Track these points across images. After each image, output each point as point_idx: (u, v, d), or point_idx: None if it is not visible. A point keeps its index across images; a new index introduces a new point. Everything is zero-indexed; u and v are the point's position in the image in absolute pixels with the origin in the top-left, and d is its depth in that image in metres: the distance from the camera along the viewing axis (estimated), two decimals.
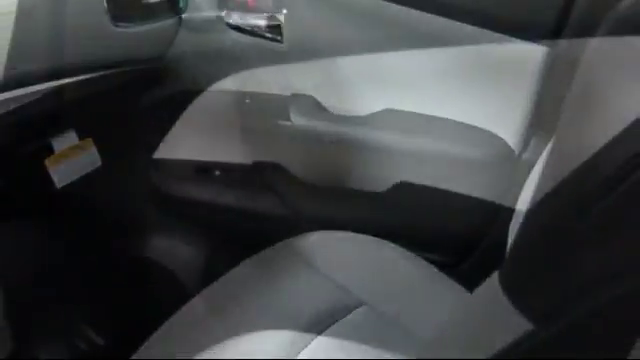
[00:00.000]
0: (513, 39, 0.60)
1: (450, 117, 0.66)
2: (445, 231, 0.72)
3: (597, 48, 0.36)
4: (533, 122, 0.64)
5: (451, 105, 0.66)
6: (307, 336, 0.52)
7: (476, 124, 0.66)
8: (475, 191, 0.68)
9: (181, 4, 0.64)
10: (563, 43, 0.59)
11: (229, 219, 0.73)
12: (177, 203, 0.73)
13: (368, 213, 0.71)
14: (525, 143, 0.66)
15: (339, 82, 0.67)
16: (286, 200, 0.70)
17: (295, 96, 0.67)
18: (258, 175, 0.72)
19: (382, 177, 0.69)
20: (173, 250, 0.77)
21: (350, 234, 0.63)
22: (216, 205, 0.72)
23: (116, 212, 0.76)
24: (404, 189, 0.71)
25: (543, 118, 0.65)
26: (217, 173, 0.73)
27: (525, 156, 0.66)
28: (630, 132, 0.29)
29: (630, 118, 0.30)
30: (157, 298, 0.80)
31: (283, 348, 0.51)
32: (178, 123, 0.72)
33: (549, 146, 0.45)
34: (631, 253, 0.30)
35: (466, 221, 0.71)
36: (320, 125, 0.67)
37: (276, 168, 0.73)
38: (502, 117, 0.66)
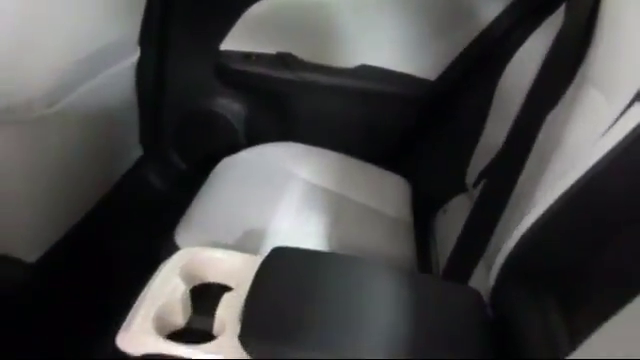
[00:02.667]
0: None
1: None
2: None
3: None
4: None
5: None
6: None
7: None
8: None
9: None
10: None
11: (263, 84, 1.27)
12: (232, 74, 1.27)
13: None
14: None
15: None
16: (294, 71, 1.23)
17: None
18: (280, 59, 1.25)
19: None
20: (229, 105, 1.32)
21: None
22: (255, 75, 1.25)
23: (193, 80, 1.30)
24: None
25: None
26: (254, 58, 1.26)
27: None
28: None
29: None
30: (219, 135, 1.36)
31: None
32: (232, 29, 1.25)
33: None
34: None
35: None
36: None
37: (289, 56, 1.26)
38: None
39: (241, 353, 0.64)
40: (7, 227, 0.88)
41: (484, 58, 1.17)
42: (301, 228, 0.99)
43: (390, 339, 0.65)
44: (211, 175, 1.09)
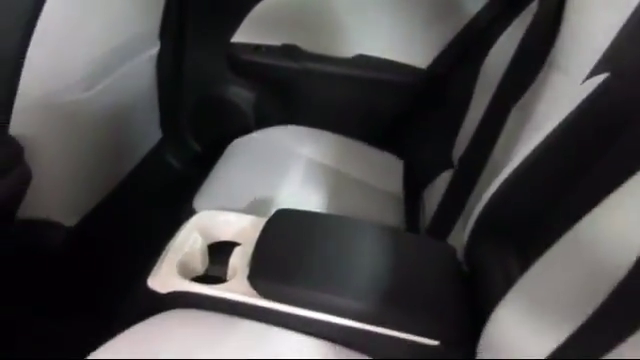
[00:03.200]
0: None
1: None
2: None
3: None
4: None
5: None
6: None
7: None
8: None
9: None
10: None
11: (270, 73, 1.40)
12: (242, 64, 1.41)
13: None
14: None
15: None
16: (298, 61, 1.36)
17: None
18: (286, 50, 1.38)
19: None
20: (239, 92, 1.46)
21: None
22: (263, 65, 1.39)
23: (207, 70, 1.44)
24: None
25: None
26: (263, 49, 1.40)
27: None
28: None
29: None
30: (231, 120, 1.50)
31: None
32: (242, 25, 1.39)
33: None
34: None
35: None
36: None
37: (294, 48, 1.39)
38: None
39: (250, 291, 0.77)
40: (50, 195, 1.02)
41: (469, 48, 1.30)
42: (303, 199, 1.13)
43: (374, 284, 0.78)
44: (225, 153, 1.23)
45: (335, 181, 1.20)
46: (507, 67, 1.05)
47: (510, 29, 1.16)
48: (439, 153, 1.30)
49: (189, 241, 0.87)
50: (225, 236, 0.93)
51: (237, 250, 0.86)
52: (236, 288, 0.79)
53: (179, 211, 1.06)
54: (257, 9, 1.35)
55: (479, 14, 1.28)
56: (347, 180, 1.23)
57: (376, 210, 1.17)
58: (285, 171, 1.19)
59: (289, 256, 0.81)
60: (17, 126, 0.92)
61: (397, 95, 1.39)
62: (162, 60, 1.33)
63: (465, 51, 1.31)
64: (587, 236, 0.62)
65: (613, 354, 0.52)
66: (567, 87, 0.90)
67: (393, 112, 1.41)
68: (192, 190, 1.11)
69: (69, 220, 1.08)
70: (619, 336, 0.53)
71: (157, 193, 1.38)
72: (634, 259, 0.55)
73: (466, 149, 1.07)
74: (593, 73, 0.81)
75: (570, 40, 0.95)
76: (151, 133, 1.43)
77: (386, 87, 1.38)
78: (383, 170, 1.31)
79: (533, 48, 1.03)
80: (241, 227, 0.93)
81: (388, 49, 1.36)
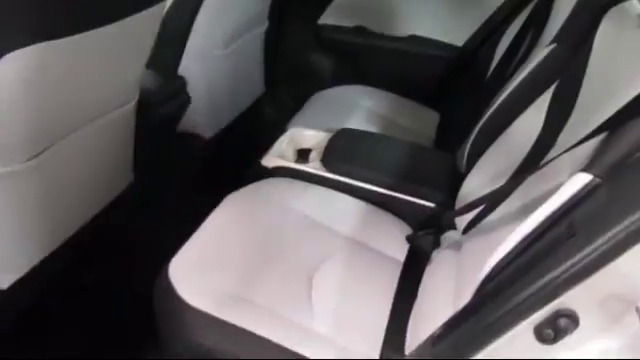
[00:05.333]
0: None
1: None
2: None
3: None
4: None
5: None
6: None
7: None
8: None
9: None
10: None
11: (345, 47, 1.92)
12: (325, 40, 1.93)
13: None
14: None
15: None
16: (366, 39, 1.87)
17: None
18: (357, 30, 1.89)
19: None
20: (322, 60, 1.98)
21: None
22: (341, 41, 1.90)
23: (299, 44, 1.98)
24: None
25: None
26: (340, 29, 1.91)
27: None
28: None
29: None
30: (315, 81, 2.02)
31: None
32: (327, 10, 1.91)
33: None
34: None
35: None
36: None
37: (363, 28, 1.89)
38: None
39: (322, 169, 1.29)
40: (198, 115, 1.58)
41: (492, 31, 1.74)
42: None
43: (398, 167, 1.28)
44: (308, 101, 1.76)
45: (384, 125, 1.69)
46: (509, 45, 1.50)
47: (519, 17, 1.59)
48: (466, 109, 1.76)
49: (284, 143, 1.40)
50: (307, 145, 1.46)
51: (314, 151, 1.39)
52: (314, 166, 1.31)
53: (276, 136, 1.59)
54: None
55: (501, 6, 1.73)
56: (393, 124, 1.71)
57: None
58: (349, 115, 1.69)
59: (348, 149, 1.33)
60: (183, 68, 1.49)
61: (439, 65, 1.85)
62: (268, 35, 1.88)
63: (489, 33, 1.75)
64: (513, 130, 1.08)
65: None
66: None
67: (435, 77, 1.87)
68: (284, 125, 1.64)
69: (208, 134, 1.66)
70: (520, 176, 0.99)
71: (260, 126, 1.94)
72: (533, 142, 1.01)
73: (475, 100, 1.53)
74: (551, 43, 1.25)
75: (552, 23, 1.38)
76: (257, 87, 1.98)
77: (430, 59, 1.85)
78: (422, 120, 1.78)
79: (528, 31, 1.47)
80: (318, 139, 1.44)
81: (433, 31, 1.83)
